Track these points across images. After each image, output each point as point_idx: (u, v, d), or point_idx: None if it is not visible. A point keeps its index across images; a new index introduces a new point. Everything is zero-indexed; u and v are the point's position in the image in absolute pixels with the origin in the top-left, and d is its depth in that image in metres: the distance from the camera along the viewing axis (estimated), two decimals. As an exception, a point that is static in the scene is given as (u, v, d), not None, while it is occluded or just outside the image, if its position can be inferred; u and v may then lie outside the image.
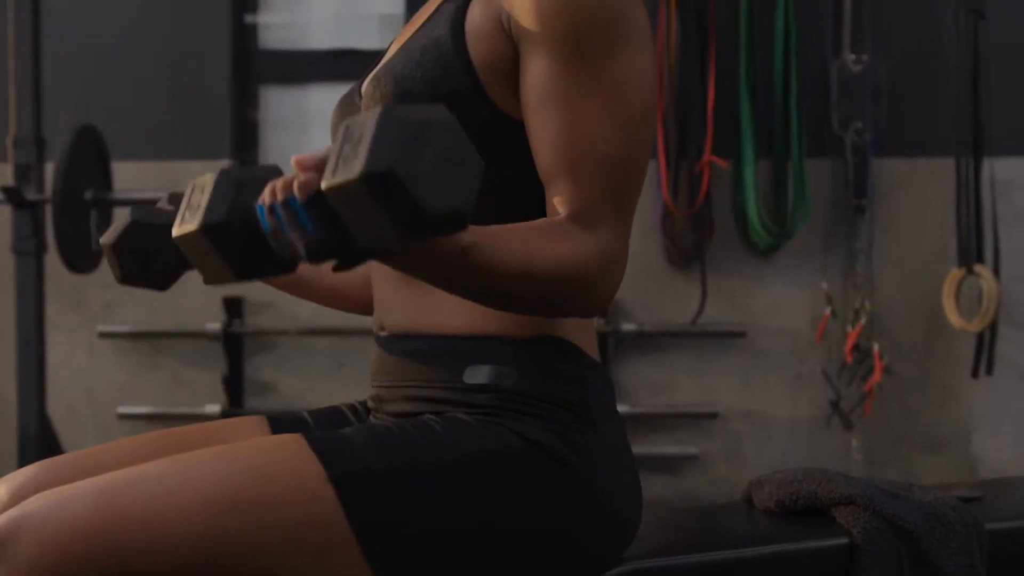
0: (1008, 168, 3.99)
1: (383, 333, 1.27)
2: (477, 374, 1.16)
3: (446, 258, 1.02)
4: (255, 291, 4.10)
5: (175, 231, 1.06)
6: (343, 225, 0.93)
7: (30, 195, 3.28)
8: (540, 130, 1.12)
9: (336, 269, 0.99)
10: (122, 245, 1.35)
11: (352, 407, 1.39)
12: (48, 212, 3.30)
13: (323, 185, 0.92)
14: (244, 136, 4.24)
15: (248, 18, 4.27)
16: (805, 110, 3.98)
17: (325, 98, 4.29)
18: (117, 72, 4.12)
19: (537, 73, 1.12)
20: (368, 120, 0.90)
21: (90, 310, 4.10)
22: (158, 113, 4.11)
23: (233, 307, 4.06)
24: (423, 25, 1.23)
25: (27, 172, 3.32)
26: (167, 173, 4.09)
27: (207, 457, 1.11)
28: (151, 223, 1.34)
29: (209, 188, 1.04)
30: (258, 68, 4.27)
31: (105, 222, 3.42)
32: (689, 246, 4.01)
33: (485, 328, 1.18)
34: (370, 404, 1.32)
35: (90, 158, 3.38)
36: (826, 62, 3.98)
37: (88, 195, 3.33)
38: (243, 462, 1.10)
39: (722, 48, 3.99)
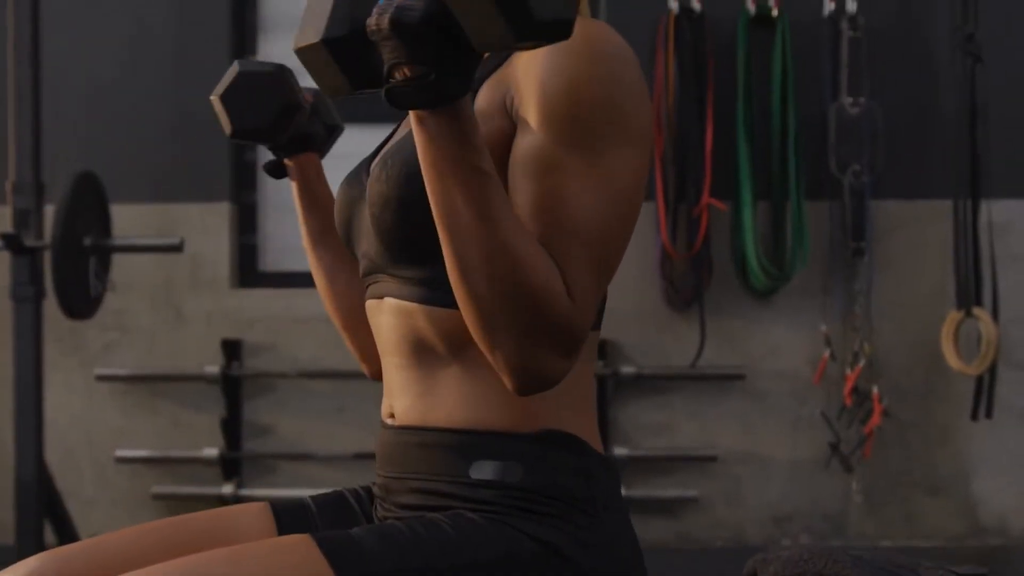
0: (1006, 210, 4.00)
1: (391, 421, 1.27)
2: (483, 470, 1.16)
3: (467, 157, 1.02)
4: (253, 334, 4.10)
5: (295, 42, 1.07)
6: (443, 7, 0.96)
7: (29, 241, 3.28)
8: (522, 198, 1.11)
9: (392, 95, 0.98)
10: (230, 96, 1.37)
11: (356, 493, 1.38)
12: (47, 256, 3.30)
13: None
14: (243, 178, 4.25)
15: (248, 58, 4.28)
16: (803, 153, 3.99)
17: (324, 140, 4.30)
18: (115, 114, 4.13)
19: (528, 145, 1.11)
20: None
21: (88, 352, 4.09)
22: (156, 156, 4.12)
23: (231, 350, 4.06)
24: None
25: (26, 218, 3.32)
26: (166, 216, 4.10)
27: (217, 561, 1.10)
28: (257, 71, 1.37)
29: (330, 1, 1.05)
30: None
31: (104, 268, 3.42)
32: (688, 289, 4.01)
33: (491, 423, 1.18)
34: (376, 492, 1.32)
35: (89, 204, 3.38)
36: (824, 105, 3.99)
37: (87, 241, 3.33)
38: (253, 567, 1.09)
39: (720, 91, 4.00)
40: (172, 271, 4.08)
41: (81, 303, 3.32)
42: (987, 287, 3.91)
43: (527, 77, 1.13)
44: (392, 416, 1.27)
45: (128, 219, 3.96)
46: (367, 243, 1.26)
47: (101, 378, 4.04)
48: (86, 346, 4.09)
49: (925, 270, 4.04)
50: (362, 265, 1.29)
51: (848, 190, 3.96)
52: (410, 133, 1.21)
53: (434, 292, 1.18)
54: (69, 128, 4.08)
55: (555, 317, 1.07)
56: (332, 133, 1.50)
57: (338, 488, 1.40)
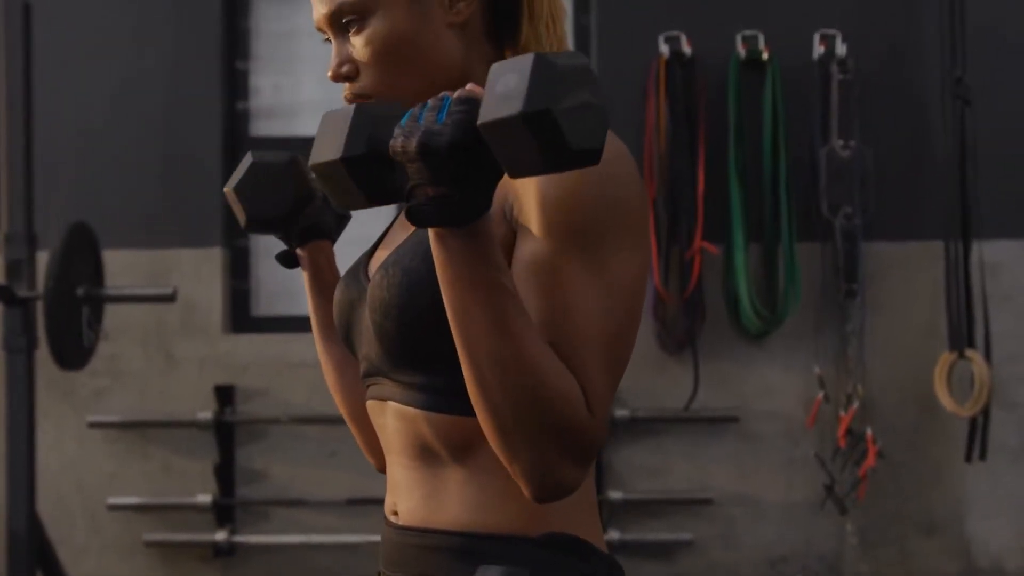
0: (997, 251, 4.02)
1: (395, 519, 1.26)
2: (489, 574, 1.15)
3: (486, 274, 1.03)
4: (246, 379, 4.08)
5: (312, 160, 1.09)
6: (472, 131, 0.98)
7: (21, 292, 3.27)
8: (530, 309, 1.10)
9: (413, 214, 1.00)
10: (244, 187, 1.39)
11: None
12: (39, 306, 3.29)
13: (479, 121, 0.97)
14: (235, 222, 4.25)
15: (239, 105, 4.29)
16: (795, 195, 4.01)
17: (316, 184, 4.30)
18: (107, 160, 4.12)
19: (528, 255, 1.12)
20: (523, 65, 0.97)
21: (80, 398, 4.08)
22: (148, 201, 4.11)
23: (224, 395, 4.04)
24: None
25: (19, 268, 3.31)
26: (158, 261, 4.09)
27: None
28: (270, 162, 1.39)
29: (348, 120, 1.07)
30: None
31: (96, 318, 3.41)
32: (681, 331, 4.02)
33: (496, 527, 1.17)
34: None
35: (82, 254, 3.37)
36: (815, 148, 4.01)
37: (80, 291, 3.32)
38: None
39: (712, 135, 4.02)
40: (164, 316, 4.07)
41: (74, 353, 3.31)
42: (979, 327, 3.92)
43: (526, 183, 1.13)
44: (396, 514, 1.26)
45: (120, 265, 3.96)
46: (367, 346, 1.25)
47: (93, 425, 4.02)
48: (77, 392, 4.07)
49: (917, 311, 4.05)
50: (362, 366, 1.28)
51: (840, 232, 3.97)
52: (410, 237, 1.21)
53: (436, 398, 1.18)
54: (60, 174, 4.07)
55: (574, 428, 1.07)
56: (341, 221, 1.51)
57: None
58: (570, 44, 1.33)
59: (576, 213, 1.10)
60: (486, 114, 0.96)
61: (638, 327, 1.16)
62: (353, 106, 1.07)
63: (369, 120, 1.06)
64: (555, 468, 1.07)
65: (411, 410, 1.20)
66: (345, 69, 1.24)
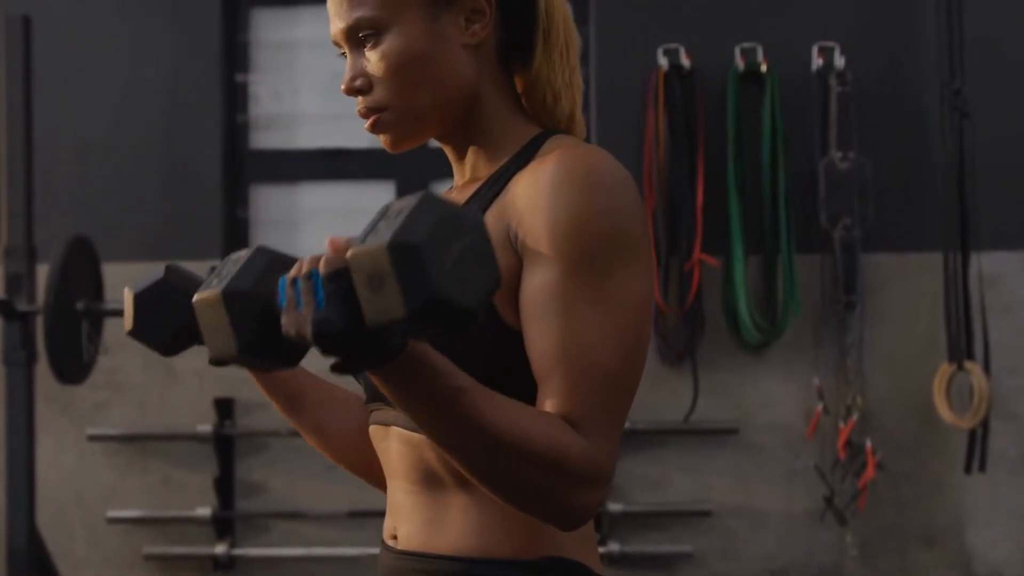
0: (995, 262, 4.02)
1: (393, 543, 1.26)
2: None
3: (439, 390, 1.03)
4: (246, 392, 4.08)
5: (196, 296, 1.07)
6: (355, 304, 0.96)
7: (21, 306, 3.27)
8: (538, 338, 1.13)
9: (336, 368, 1.00)
10: (145, 298, 1.33)
11: None
12: (39, 320, 3.29)
13: (348, 253, 0.96)
14: (235, 235, 4.25)
15: (239, 117, 4.29)
16: (794, 207, 4.01)
17: (315, 197, 4.31)
18: (106, 173, 4.13)
19: (538, 285, 1.13)
20: (408, 201, 0.95)
21: (79, 411, 4.08)
22: (148, 214, 4.12)
23: (224, 408, 4.04)
24: None
25: (18, 282, 3.32)
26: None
27: None
28: (179, 286, 1.33)
29: (243, 260, 1.06)
30: (249, 167, 4.29)
31: (96, 332, 3.41)
32: (680, 343, 4.02)
33: (496, 551, 1.18)
34: None
35: (81, 268, 3.37)
36: (813, 160, 4.02)
37: (79, 306, 3.32)
38: None
39: (710, 147, 4.03)
40: (164, 329, 4.06)
41: (73, 368, 3.32)
42: (978, 338, 3.92)
43: (531, 212, 1.15)
44: (395, 538, 1.26)
45: (120, 278, 3.93)
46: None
47: (93, 438, 4.02)
48: (77, 405, 4.07)
49: (916, 322, 4.05)
50: (365, 391, 1.29)
51: (839, 244, 3.98)
52: None
53: None
54: (60, 187, 4.08)
55: (573, 471, 1.09)
56: None
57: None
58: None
59: (584, 242, 1.12)
60: (355, 247, 0.95)
61: (647, 351, 1.17)
62: (257, 246, 1.08)
63: (264, 260, 1.06)
64: (566, 508, 1.10)
65: (415, 435, 1.20)
66: (359, 83, 1.25)
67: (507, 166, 1.24)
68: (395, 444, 1.24)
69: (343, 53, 1.29)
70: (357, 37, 1.25)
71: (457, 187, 1.32)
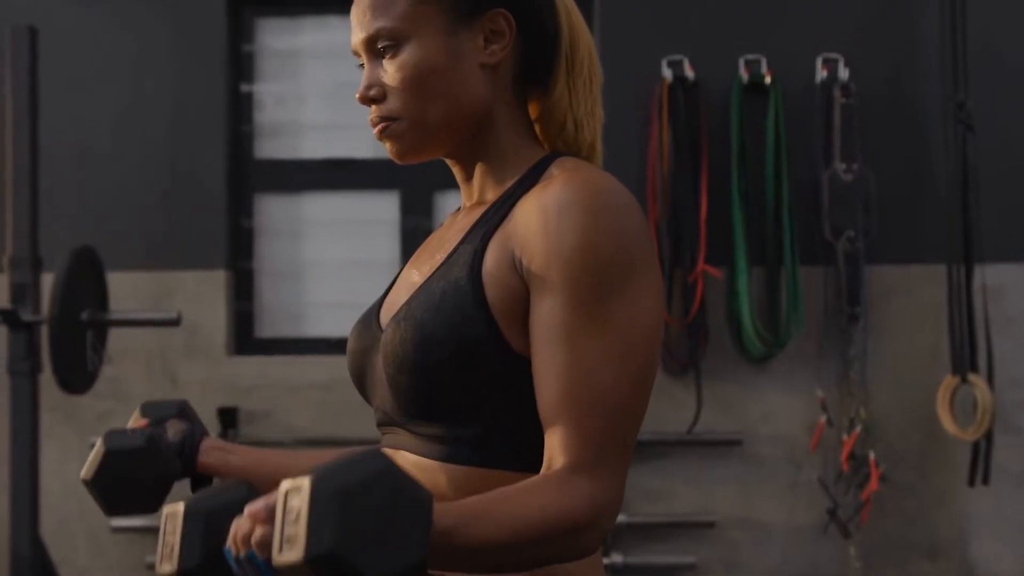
0: (999, 274, 4.02)
1: None
2: None
3: (436, 549, 1.03)
4: (249, 402, 4.09)
5: (158, 568, 1.13)
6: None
7: (26, 316, 3.28)
8: (545, 370, 1.13)
9: None
10: (101, 477, 1.33)
11: None
12: (44, 330, 3.30)
13: (273, 562, 0.97)
14: (239, 244, 4.26)
15: (243, 127, 4.30)
16: (797, 219, 4.02)
17: (320, 206, 4.32)
18: (111, 182, 4.14)
19: (545, 314, 1.14)
20: (304, 491, 0.94)
21: (83, 421, 4.08)
22: (152, 223, 4.12)
23: (227, 418, 4.04)
24: (442, 265, 1.23)
25: (23, 292, 3.32)
26: (161, 283, 4.10)
27: None
28: (125, 448, 1.33)
29: (180, 526, 1.10)
30: (253, 177, 4.30)
31: (100, 342, 3.42)
32: (684, 355, 4.02)
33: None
34: None
35: (86, 278, 3.38)
36: (817, 171, 4.02)
37: (84, 316, 3.33)
38: None
39: (714, 158, 4.03)
40: (167, 339, 4.07)
41: (78, 378, 3.32)
42: (982, 351, 3.92)
43: (535, 238, 1.15)
44: None
45: (124, 287, 3.96)
46: (381, 396, 1.26)
47: (96, 447, 4.02)
48: (81, 415, 4.07)
49: (920, 334, 4.05)
50: (377, 415, 1.29)
51: (842, 256, 3.98)
52: (422, 288, 1.22)
53: (454, 449, 1.19)
54: (64, 196, 4.08)
55: (586, 524, 1.10)
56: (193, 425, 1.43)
57: None
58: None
59: (589, 268, 1.13)
60: (277, 556, 0.96)
61: (656, 370, 1.18)
62: (186, 505, 1.12)
63: (201, 523, 1.11)
64: (586, 549, 1.13)
65: (427, 461, 1.21)
66: (373, 92, 1.27)
67: (512, 189, 1.25)
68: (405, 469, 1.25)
69: (361, 64, 1.30)
70: (376, 47, 1.26)
71: (465, 208, 1.33)
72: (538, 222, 1.15)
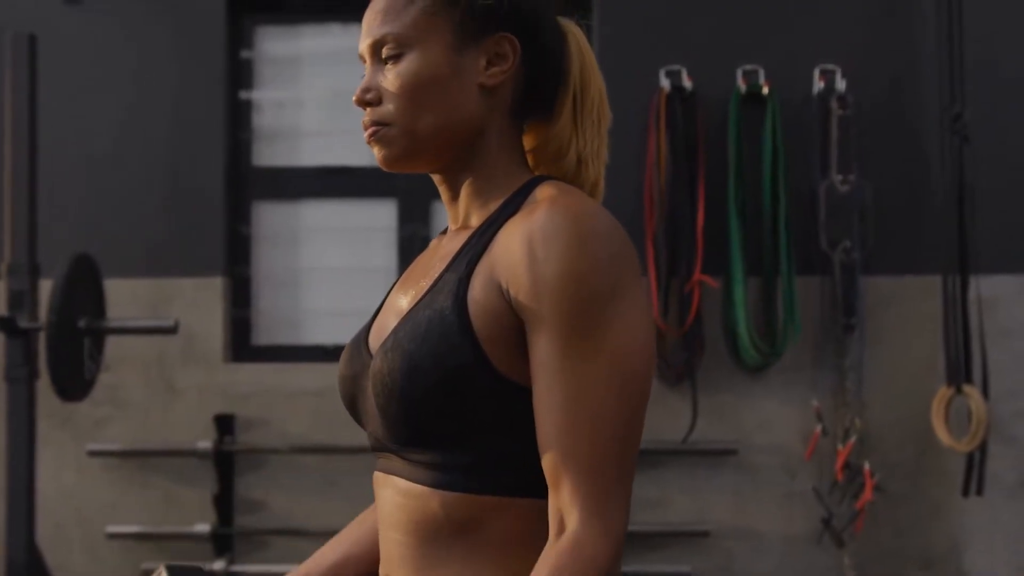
0: (994, 286, 4.03)
1: None
2: None
3: None
4: (246, 409, 4.09)
5: None
6: None
7: (23, 323, 3.28)
8: (543, 404, 1.13)
9: None
10: None
11: None
12: (41, 336, 3.30)
13: None
14: (237, 251, 4.27)
15: (242, 134, 4.31)
16: (794, 229, 4.03)
17: (318, 214, 4.33)
18: (109, 189, 4.14)
19: (540, 348, 1.14)
20: None
21: (80, 427, 4.08)
22: (151, 230, 4.13)
23: (224, 425, 4.05)
24: (428, 293, 1.24)
25: (21, 299, 3.32)
26: (159, 290, 4.10)
27: None
28: None
29: None
30: (252, 184, 4.31)
31: (98, 350, 3.42)
32: (680, 364, 4.03)
33: None
34: None
35: (83, 286, 3.38)
36: (814, 182, 4.03)
37: (81, 323, 3.33)
38: None
39: (711, 169, 4.04)
40: (165, 346, 4.08)
41: (75, 385, 3.32)
42: (977, 362, 3.93)
43: (522, 267, 1.15)
44: None
45: (121, 293, 3.97)
46: (373, 423, 1.26)
47: (93, 453, 4.03)
48: (78, 421, 4.08)
49: (915, 345, 4.06)
50: (370, 440, 1.30)
51: (838, 266, 3.99)
52: (408, 316, 1.23)
53: (446, 476, 1.19)
54: (63, 203, 4.09)
55: (607, 567, 1.11)
56: None
57: None
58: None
59: (578, 296, 1.13)
60: None
61: (651, 388, 1.18)
62: None
63: None
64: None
65: (419, 487, 1.21)
66: (369, 95, 1.28)
67: (496, 214, 1.25)
68: (393, 494, 1.25)
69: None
70: (381, 52, 1.27)
71: (450, 232, 1.33)
72: (523, 251, 1.15)
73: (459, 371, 1.16)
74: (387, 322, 1.29)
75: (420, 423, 1.18)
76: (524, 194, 1.25)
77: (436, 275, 1.25)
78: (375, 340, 1.29)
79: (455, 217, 1.32)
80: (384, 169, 1.30)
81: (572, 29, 1.34)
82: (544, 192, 1.24)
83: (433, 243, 1.39)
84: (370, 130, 1.27)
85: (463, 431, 1.17)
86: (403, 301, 1.30)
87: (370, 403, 1.25)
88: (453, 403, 1.16)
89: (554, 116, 1.30)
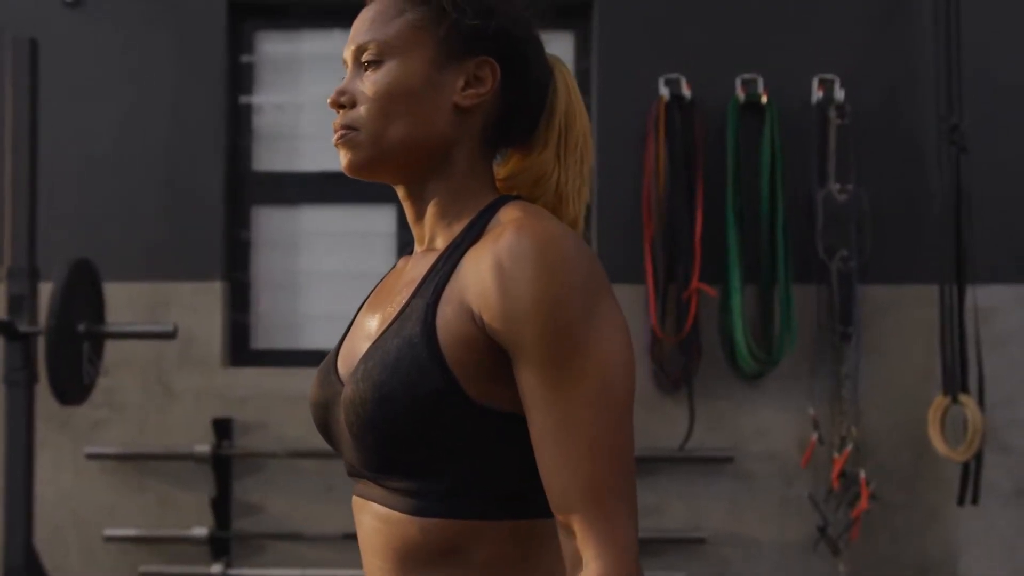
0: (990, 295, 4.05)
1: None
2: None
3: None
4: (244, 413, 4.10)
5: None
6: None
7: (23, 327, 3.29)
8: (538, 433, 1.14)
9: None
10: None
11: None
12: (40, 340, 3.31)
13: None
14: (236, 255, 4.27)
15: (241, 139, 4.32)
16: (791, 238, 4.04)
17: (317, 219, 4.34)
18: (108, 193, 4.15)
19: (524, 378, 1.14)
20: None
21: (78, 430, 4.09)
22: (150, 235, 4.14)
23: (222, 429, 4.06)
24: (396, 320, 1.23)
25: (20, 303, 3.33)
26: (157, 294, 4.11)
27: None
28: None
29: None
30: (251, 189, 4.32)
31: (97, 354, 3.43)
32: (677, 371, 4.04)
33: None
34: None
35: (83, 290, 3.39)
36: (812, 191, 4.04)
37: (81, 327, 3.34)
38: None
39: (710, 177, 4.05)
40: (163, 349, 4.09)
41: (74, 390, 3.33)
42: (973, 371, 3.94)
43: (494, 294, 1.14)
44: None
45: (120, 297, 3.98)
46: (348, 450, 1.26)
47: (91, 456, 4.03)
48: (76, 424, 4.09)
49: (912, 354, 4.07)
50: (346, 466, 1.30)
51: (836, 275, 4.00)
52: (377, 344, 1.22)
53: (420, 502, 1.19)
54: (63, 207, 4.10)
55: None
56: None
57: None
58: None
59: (555, 319, 1.12)
60: None
61: (631, 424, 1.16)
62: None
63: None
64: None
65: (396, 514, 1.21)
66: (344, 98, 1.28)
67: (461, 237, 1.25)
68: (372, 520, 1.24)
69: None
70: (362, 58, 1.28)
71: (417, 254, 1.33)
72: (493, 278, 1.14)
73: (430, 399, 1.15)
74: (357, 346, 1.29)
75: (394, 451, 1.18)
76: (489, 214, 1.25)
77: (403, 301, 1.24)
78: (344, 365, 1.29)
79: (420, 237, 1.32)
80: (348, 175, 1.30)
81: (560, 66, 1.34)
82: (509, 214, 1.23)
83: (400, 263, 1.39)
84: (339, 133, 1.28)
85: (438, 458, 1.17)
86: (372, 324, 1.30)
87: (343, 430, 1.24)
88: (426, 431, 1.16)
89: (534, 147, 1.30)
